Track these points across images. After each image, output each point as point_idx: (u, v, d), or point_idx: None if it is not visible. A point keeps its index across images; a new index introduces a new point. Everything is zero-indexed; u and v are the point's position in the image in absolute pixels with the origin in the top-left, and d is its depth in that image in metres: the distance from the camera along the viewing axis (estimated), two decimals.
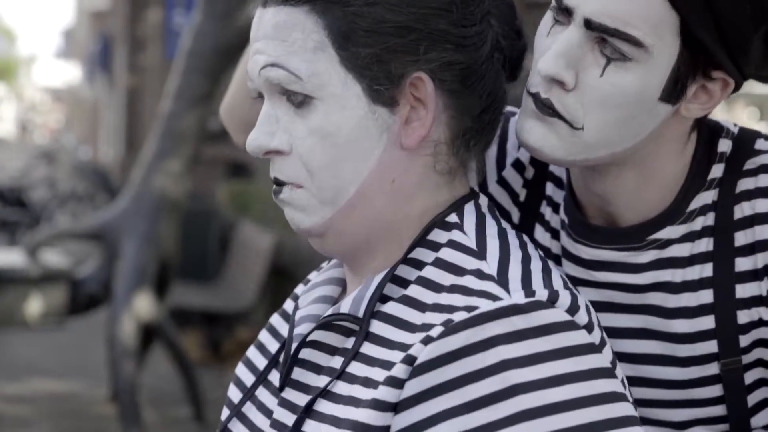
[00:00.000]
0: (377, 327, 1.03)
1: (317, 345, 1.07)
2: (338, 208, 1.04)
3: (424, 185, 1.06)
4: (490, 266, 1.01)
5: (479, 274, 1.00)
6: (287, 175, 1.05)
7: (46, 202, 12.07)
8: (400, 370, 0.97)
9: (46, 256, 5.48)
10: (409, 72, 1.03)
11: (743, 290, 1.17)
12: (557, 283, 1.01)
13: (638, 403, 1.21)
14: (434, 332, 0.96)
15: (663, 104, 1.12)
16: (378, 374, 0.99)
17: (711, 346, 1.18)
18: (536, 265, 1.03)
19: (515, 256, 1.03)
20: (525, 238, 1.09)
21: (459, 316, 0.96)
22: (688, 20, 1.08)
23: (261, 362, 1.17)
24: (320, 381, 1.05)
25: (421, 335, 0.98)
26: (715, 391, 1.19)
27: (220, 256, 8.30)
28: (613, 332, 1.21)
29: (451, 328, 0.96)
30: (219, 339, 7.32)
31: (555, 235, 1.26)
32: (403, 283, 1.04)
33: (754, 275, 1.16)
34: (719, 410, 1.21)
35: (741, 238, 1.17)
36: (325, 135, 1.03)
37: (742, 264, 1.17)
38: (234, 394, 1.16)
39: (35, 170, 13.92)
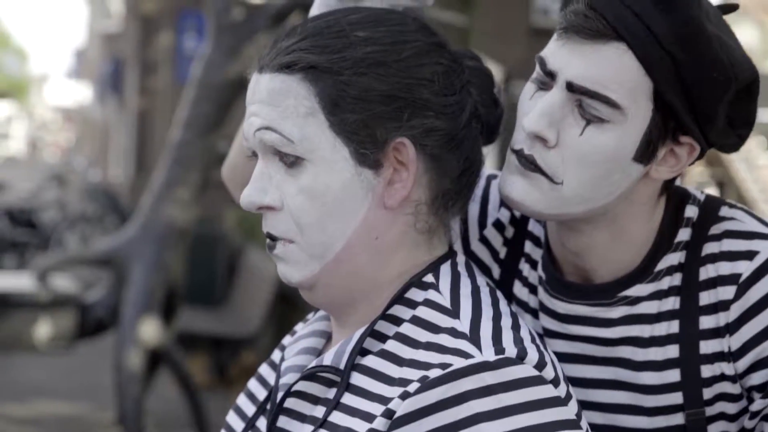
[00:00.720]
0: (357, 379, 1.09)
1: (301, 395, 1.13)
2: (326, 262, 1.11)
3: (404, 243, 1.13)
4: (463, 324, 1.07)
5: (453, 332, 1.06)
6: (279, 231, 1.11)
7: (55, 224, 12.13)
8: (380, 424, 1.03)
9: (55, 281, 5.56)
10: (392, 137, 1.10)
11: (706, 346, 1.24)
12: (526, 340, 1.07)
13: None
14: (411, 388, 1.03)
15: (636, 164, 1.20)
16: (359, 425, 1.05)
17: (676, 398, 1.25)
18: (506, 323, 1.09)
19: (486, 314, 1.09)
20: (498, 294, 1.15)
21: (434, 373, 1.03)
22: (661, 86, 1.17)
23: (250, 410, 1.23)
24: (304, 429, 1.11)
25: (399, 390, 1.05)
26: None
27: (227, 281, 8.35)
28: (585, 383, 1.28)
29: (427, 384, 1.02)
30: (225, 363, 7.36)
31: (533, 290, 1.34)
32: (382, 337, 1.10)
33: (716, 333, 1.24)
34: None
35: (705, 297, 1.24)
36: (314, 194, 1.09)
37: (706, 322, 1.24)
38: None
39: (46, 192, 14.00)
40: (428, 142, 1.11)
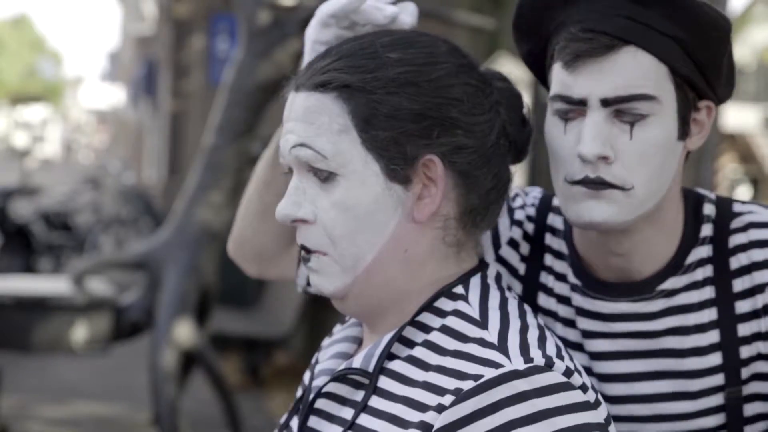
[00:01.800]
0: (384, 383, 1.13)
1: (331, 396, 1.18)
2: (357, 274, 1.15)
3: (433, 255, 1.17)
4: (492, 335, 1.11)
5: (482, 342, 1.11)
6: (313, 243, 1.16)
7: (90, 227, 12.23)
8: None
9: (91, 285, 5.63)
10: (422, 154, 1.14)
11: (744, 329, 1.34)
12: (551, 350, 1.11)
13: None
14: (446, 400, 1.07)
15: (679, 143, 1.31)
16: (385, 428, 1.10)
17: (719, 379, 1.35)
18: (533, 334, 1.13)
19: (514, 326, 1.13)
20: (525, 307, 1.19)
21: (467, 385, 1.07)
22: (674, 67, 1.28)
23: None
24: (332, 429, 1.16)
25: (421, 392, 1.09)
26: (719, 419, 1.35)
27: (259, 283, 8.41)
28: (630, 377, 1.36)
29: (461, 396, 1.06)
30: (258, 364, 7.40)
31: (561, 300, 1.40)
32: (410, 344, 1.14)
33: (755, 314, 1.33)
34: None
35: (739, 284, 1.34)
36: (346, 208, 1.14)
37: (743, 306, 1.34)
38: None
39: (80, 195, 14.13)
40: (457, 159, 1.15)
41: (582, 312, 1.37)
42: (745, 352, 1.33)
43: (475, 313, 1.14)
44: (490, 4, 8.68)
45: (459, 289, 1.17)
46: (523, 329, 1.13)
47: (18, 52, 77.63)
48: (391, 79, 1.14)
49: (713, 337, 1.33)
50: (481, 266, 1.21)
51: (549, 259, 1.41)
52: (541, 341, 1.12)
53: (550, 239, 1.42)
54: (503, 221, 1.45)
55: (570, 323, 1.38)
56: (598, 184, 1.25)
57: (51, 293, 5.50)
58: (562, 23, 1.28)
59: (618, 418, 1.36)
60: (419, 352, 1.13)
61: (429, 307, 1.16)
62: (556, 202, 1.44)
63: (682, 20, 1.26)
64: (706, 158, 18.32)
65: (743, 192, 24.81)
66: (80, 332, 5.51)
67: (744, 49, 28.55)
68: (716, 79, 1.31)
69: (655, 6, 1.25)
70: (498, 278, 1.21)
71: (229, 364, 7.43)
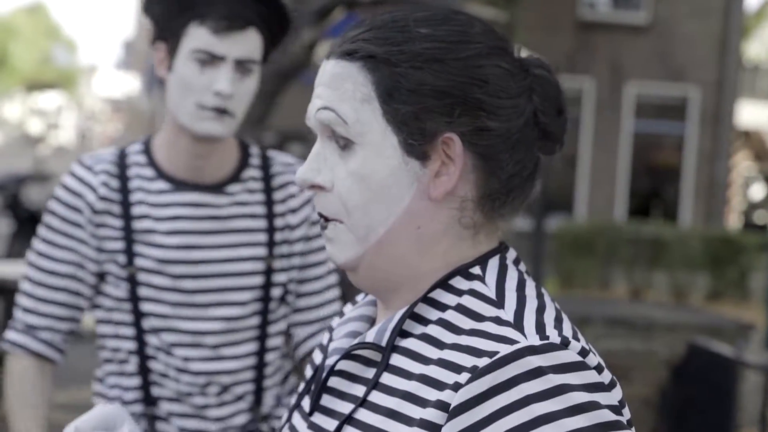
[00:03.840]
0: (397, 360, 1.13)
1: (342, 374, 1.18)
2: (369, 245, 1.15)
3: (447, 235, 1.16)
4: (508, 314, 1.11)
5: (497, 321, 1.10)
6: (330, 211, 1.17)
7: None
8: (434, 415, 1.07)
9: None
10: (442, 131, 1.13)
11: (277, 222, 2.08)
12: (567, 331, 1.11)
13: None
14: (462, 378, 1.07)
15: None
16: (397, 404, 1.10)
17: (262, 251, 2.09)
18: (550, 314, 1.12)
19: (531, 306, 1.13)
20: (543, 289, 1.19)
21: (483, 362, 1.06)
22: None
23: (301, 385, 1.29)
24: (344, 407, 1.16)
25: (437, 369, 1.09)
26: (260, 281, 2.06)
27: None
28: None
29: (477, 374, 1.06)
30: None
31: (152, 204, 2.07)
32: (423, 321, 1.14)
33: (290, 212, 2.11)
34: None
35: (277, 195, 2.10)
36: (361, 178, 1.14)
37: (278, 208, 2.09)
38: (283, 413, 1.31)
39: None
40: (478, 140, 1.14)
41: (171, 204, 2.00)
42: (278, 236, 2.05)
43: (491, 293, 1.14)
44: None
45: (476, 270, 1.16)
46: (540, 309, 1.13)
47: (33, 40, 77.87)
48: (417, 54, 1.14)
49: (262, 223, 2.04)
50: (501, 249, 1.20)
51: (136, 184, 2.01)
52: (558, 321, 1.12)
53: (132, 172, 2.02)
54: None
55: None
56: (222, 113, 1.93)
57: None
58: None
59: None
60: (433, 330, 1.13)
61: (443, 285, 1.16)
62: (131, 155, 2.04)
63: (279, 15, 2.04)
64: (721, 156, 18.37)
65: (757, 190, 24.74)
66: (91, 318, 5.51)
67: (759, 46, 28.42)
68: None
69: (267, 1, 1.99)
70: (517, 261, 1.21)
71: None
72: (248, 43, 1.92)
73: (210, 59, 1.91)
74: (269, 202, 2.05)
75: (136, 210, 1.99)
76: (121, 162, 2.02)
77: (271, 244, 2.04)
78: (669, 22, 15.99)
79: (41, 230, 2.02)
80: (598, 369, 1.09)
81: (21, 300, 2.03)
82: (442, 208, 1.16)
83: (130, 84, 53.67)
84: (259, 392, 2.06)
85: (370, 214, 1.15)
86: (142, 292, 1.98)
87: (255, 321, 2.04)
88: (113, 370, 2.05)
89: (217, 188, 2.00)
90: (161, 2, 1.95)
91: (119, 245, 1.98)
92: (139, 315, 1.99)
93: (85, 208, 1.99)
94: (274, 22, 1.99)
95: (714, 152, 16.19)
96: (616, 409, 1.09)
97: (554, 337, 1.08)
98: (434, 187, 1.14)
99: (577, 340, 1.10)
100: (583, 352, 1.09)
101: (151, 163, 2.02)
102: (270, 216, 2.05)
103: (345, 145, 1.16)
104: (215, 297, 1.99)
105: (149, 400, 2.01)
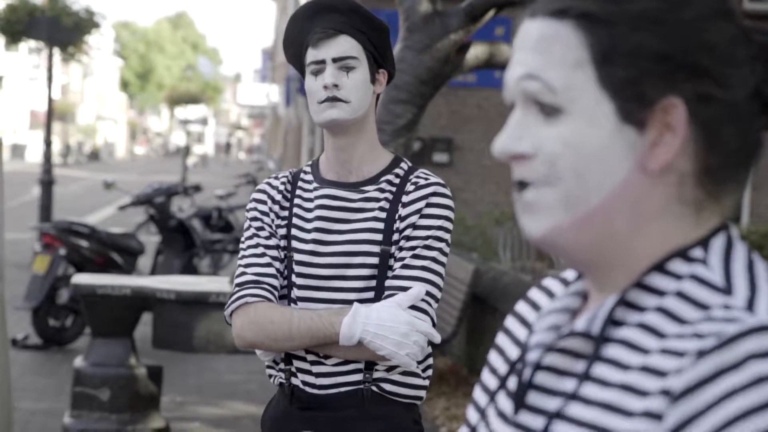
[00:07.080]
0: (610, 349, 1.06)
1: (548, 369, 1.11)
2: (576, 216, 1.07)
3: (666, 213, 1.08)
4: (737, 299, 1.02)
5: (726, 308, 1.02)
6: (533, 177, 1.08)
7: None
8: (656, 403, 0.99)
9: None
10: (661, 97, 1.05)
11: (398, 223, 2.51)
12: None
13: None
14: (686, 363, 0.98)
15: (371, 86, 2.51)
16: (622, 400, 1.02)
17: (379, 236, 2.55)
18: None
19: (764, 289, 1.03)
20: None
21: (709, 342, 0.98)
22: (364, 45, 2.50)
23: (493, 384, 1.21)
24: (554, 403, 1.08)
25: (657, 358, 1.01)
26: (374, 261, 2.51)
27: None
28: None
29: (702, 355, 0.98)
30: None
31: (309, 199, 2.62)
32: (639, 309, 1.06)
33: (404, 218, 2.49)
34: None
35: (405, 198, 2.52)
36: (571, 145, 1.06)
37: (401, 210, 2.50)
38: (472, 416, 1.22)
39: (240, 194, 14.31)
40: (701, 109, 1.06)
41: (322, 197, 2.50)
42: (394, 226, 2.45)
43: (716, 278, 1.05)
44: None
45: (697, 252, 1.07)
46: None
47: (178, 51, 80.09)
48: (637, 13, 1.05)
49: (382, 213, 2.45)
50: (724, 228, 1.11)
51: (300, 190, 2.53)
52: None
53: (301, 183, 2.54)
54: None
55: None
56: (334, 101, 2.39)
57: (211, 290, 5.47)
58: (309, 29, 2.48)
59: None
60: (651, 318, 1.05)
61: (660, 268, 1.07)
62: (302, 174, 2.55)
63: (367, 22, 2.47)
64: None
65: None
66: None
67: None
68: (384, 56, 2.49)
69: (351, 14, 2.45)
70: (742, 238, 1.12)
71: None
72: (341, 45, 2.40)
73: (317, 67, 2.41)
74: (395, 201, 2.46)
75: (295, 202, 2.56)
76: (296, 174, 2.60)
77: (388, 232, 2.46)
78: None
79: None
80: None
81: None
82: (660, 183, 1.07)
83: (270, 94, 54.67)
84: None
85: (582, 183, 1.07)
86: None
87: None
88: None
89: (354, 186, 2.46)
90: (289, 48, 2.55)
91: (283, 231, 2.55)
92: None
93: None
94: (367, 29, 2.45)
95: None
96: None
97: None
98: (652, 158, 1.06)
99: None
100: None
101: (313, 171, 2.57)
102: (392, 211, 2.46)
103: (551, 111, 1.08)
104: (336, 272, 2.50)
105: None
